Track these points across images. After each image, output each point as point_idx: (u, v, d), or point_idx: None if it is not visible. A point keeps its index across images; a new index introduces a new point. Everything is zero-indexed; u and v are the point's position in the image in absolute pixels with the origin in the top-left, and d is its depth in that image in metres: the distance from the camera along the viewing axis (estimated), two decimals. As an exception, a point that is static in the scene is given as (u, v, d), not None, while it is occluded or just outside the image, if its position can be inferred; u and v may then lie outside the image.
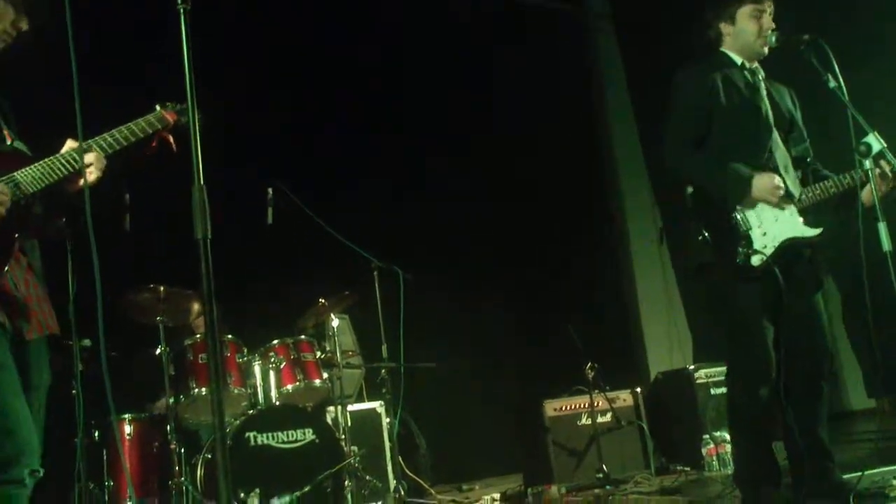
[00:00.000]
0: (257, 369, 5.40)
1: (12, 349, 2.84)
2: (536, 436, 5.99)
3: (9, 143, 2.98)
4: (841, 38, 3.78)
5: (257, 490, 4.69)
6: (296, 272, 6.75)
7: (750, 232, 3.69)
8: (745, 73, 3.88)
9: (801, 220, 3.73)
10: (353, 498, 5.21)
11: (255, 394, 5.37)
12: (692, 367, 6.31)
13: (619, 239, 9.71)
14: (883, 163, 3.55)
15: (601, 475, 5.66)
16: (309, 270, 6.70)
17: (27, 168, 2.88)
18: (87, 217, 2.66)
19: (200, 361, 5.24)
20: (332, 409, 5.79)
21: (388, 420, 5.98)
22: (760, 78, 3.90)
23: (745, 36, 3.86)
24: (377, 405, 6.07)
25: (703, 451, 5.75)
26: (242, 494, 4.65)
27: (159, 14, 2.73)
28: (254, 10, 7.21)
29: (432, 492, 6.18)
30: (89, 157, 2.91)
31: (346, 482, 5.20)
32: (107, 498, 5.02)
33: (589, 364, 5.99)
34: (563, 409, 6.02)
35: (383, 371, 5.96)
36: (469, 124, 8.18)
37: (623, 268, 9.62)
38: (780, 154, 3.80)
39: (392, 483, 5.77)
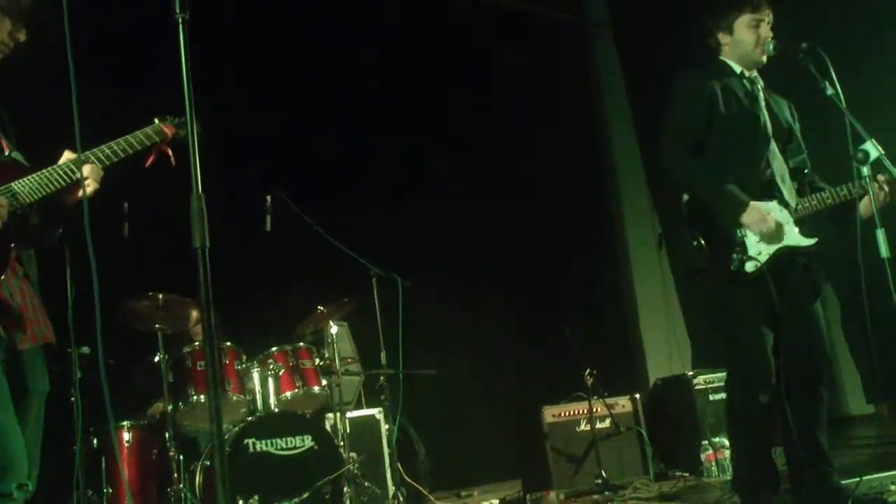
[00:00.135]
0: (256, 376, 5.39)
1: (6, 359, 2.84)
2: (535, 442, 5.99)
3: (7, 153, 2.99)
4: (838, 46, 3.79)
5: (256, 497, 4.69)
6: (294, 279, 6.75)
7: (745, 239, 3.70)
8: (745, 82, 3.89)
9: (797, 229, 3.74)
10: (352, 504, 5.22)
11: (254, 401, 5.36)
12: (691, 373, 6.31)
13: (618, 244, 9.71)
14: (879, 176, 3.56)
15: (600, 481, 5.67)
16: (308, 278, 6.70)
17: (24, 178, 2.89)
18: (85, 228, 2.66)
19: (199, 368, 5.24)
20: (330, 415, 5.79)
21: (386, 427, 5.97)
22: (759, 88, 3.91)
23: (744, 45, 3.87)
24: (376, 412, 6.06)
25: (702, 456, 5.75)
26: (241, 501, 4.65)
27: (158, 20, 2.73)
28: (252, 12, 7.21)
29: (431, 498, 6.17)
30: (86, 169, 2.92)
31: (345, 489, 5.20)
32: (105, 505, 5.02)
33: (588, 370, 6.00)
34: (562, 415, 6.02)
35: (382, 378, 5.96)
36: (469, 126, 8.18)
37: (622, 273, 9.62)
38: (778, 164, 3.81)
39: (391, 489, 5.76)
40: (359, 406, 6.45)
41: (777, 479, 3.76)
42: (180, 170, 2.55)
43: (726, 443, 5.60)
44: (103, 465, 5.09)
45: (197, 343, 5.43)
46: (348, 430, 5.53)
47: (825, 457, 3.74)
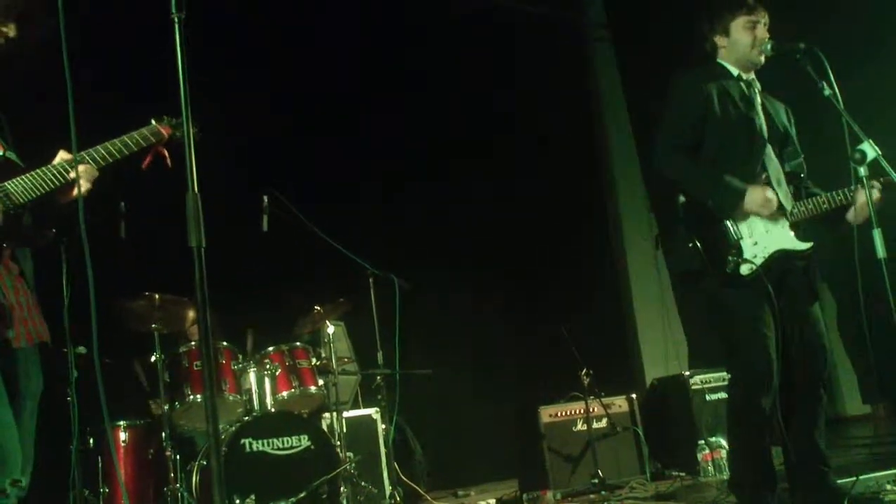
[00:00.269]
0: (253, 376, 5.39)
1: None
2: (532, 441, 5.99)
3: (1, 153, 2.98)
4: (836, 46, 3.79)
5: (253, 497, 4.69)
6: (291, 279, 6.74)
7: (741, 241, 3.71)
8: (741, 84, 3.90)
9: (792, 233, 3.74)
10: (349, 504, 5.22)
11: (251, 400, 5.37)
12: (687, 373, 6.31)
13: (615, 244, 9.72)
14: (875, 182, 3.56)
15: (596, 481, 5.67)
16: (304, 278, 6.70)
17: (18, 178, 2.88)
18: (80, 227, 2.66)
19: (195, 368, 5.25)
20: (327, 415, 5.79)
21: (383, 426, 5.97)
22: (756, 91, 3.91)
23: (740, 47, 3.87)
24: (372, 412, 6.06)
25: (699, 456, 5.75)
26: (238, 501, 4.64)
27: (157, 21, 2.73)
28: (251, 13, 7.21)
29: (428, 497, 6.17)
30: (81, 170, 2.90)
31: (342, 488, 5.20)
32: (102, 505, 5.02)
33: (584, 370, 6.00)
34: (559, 414, 6.02)
35: (378, 378, 5.95)
36: (467, 129, 8.19)
37: (619, 274, 9.63)
38: (774, 168, 3.81)
39: (388, 489, 5.76)
40: (355, 406, 6.45)
41: (774, 479, 3.75)
42: (177, 169, 2.55)
43: (723, 442, 5.61)
44: (100, 464, 5.10)
45: (193, 343, 5.43)
46: (345, 430, 5.54)
47: (822, 457, 3.74)
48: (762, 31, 3.84)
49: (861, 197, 3.57)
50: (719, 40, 3.94)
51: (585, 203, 9.35)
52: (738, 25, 3.86)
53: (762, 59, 3.85)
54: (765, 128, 3.84)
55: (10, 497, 2.78)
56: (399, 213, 7.67)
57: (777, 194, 3.73)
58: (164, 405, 5.10)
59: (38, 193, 2.89)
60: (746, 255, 3.67)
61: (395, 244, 6.85)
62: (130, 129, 3.14)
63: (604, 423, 6.05)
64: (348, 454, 5.40)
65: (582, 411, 6.02)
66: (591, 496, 5.56)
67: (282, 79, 7.32)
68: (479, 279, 7.84)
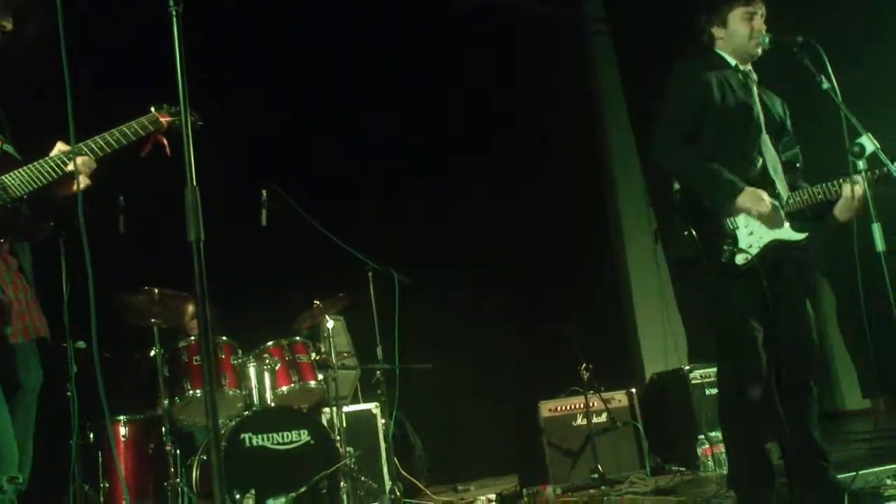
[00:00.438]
0: (252, 371, 5.40)
1: None
2: (532, 436, 5.99)
3: None
4: (835, 39, 3.79)
5: (253, 491, 4.69)
6: (291, 274, 6.75)
7: (736, 231, 3.71)
8: (739, 75, 3.90)
9: (787, 224, 3.74)
10: (349, 499, 5.21)
11: (251, 395, 5.37)
12: (687, 367, 6.31)
13: (615, 240, 9.72)
14: (857, 178, 3.54)
15: (596, 475, 5.66)
16: (304, 272, 6.70)
17: (15, 171, 2.87)
18: (79, 220, 2.65)
19: (195, 363, 5.24)
20: (327, 410, 5.79)
21: (383, 421, 5.98)
22: (753, 81, 3.92)
23: (738, 38, 3.87)
24: (372, 406, 6.06)
25: (699, 451, 5.76)
26: (238, 496, 4.65)
27: (156, 16, 2.72)
28: (251, 10, 7.20)
29: (428, 492, 6.19)
30: (79, 161, 2.89)
31: (342, 483, 5.20)
32: (102, 499, 5.03)
33: (584, 365, 6.00)
34: (559, 409, 6.02)
35: (378, 372, 5.96)
36: (467, 126, 8.18)
37: (618, 268, 9.63)
38: (771, 156, 3.81)
39: (388, 484, 5.77)
40: (355, 401, 6.45)
41: (772, 474, 3.75)
42: (175, 163, 2.54)
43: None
44: (100, 459, 5.11)
45: (193, 337, 5.42)
46: (345, 425, 5.54)
47: (820, 451, 3.73)
48: (759, 23, 3.84)
49: (846, 191, 3.57)
50: (717, 31, 3.94)
51: (585, 201, 9.34)
52: (736, 16, 3.86)
53: (759, 50, 3.85)
54: (762, 116, 3.84)
55: (8, 493, 2.78)
56: (399, 211, 7.68)
57: (774, 184, 3.74)
58: (164, 400, 5.10)
59: (36, 186, 2.88)
60: (742, 244, 3.67)
61: (395, 241, 6.85)
62: (130, 117, 3.13)
63: (603, 417, 6.05)
64: (348, 449, 5.40)
65: (582, 406, 6.02)
66: (591, 491, 5.56)
67: (282, 76, 7.32)
68: (479, 276, 7.84)
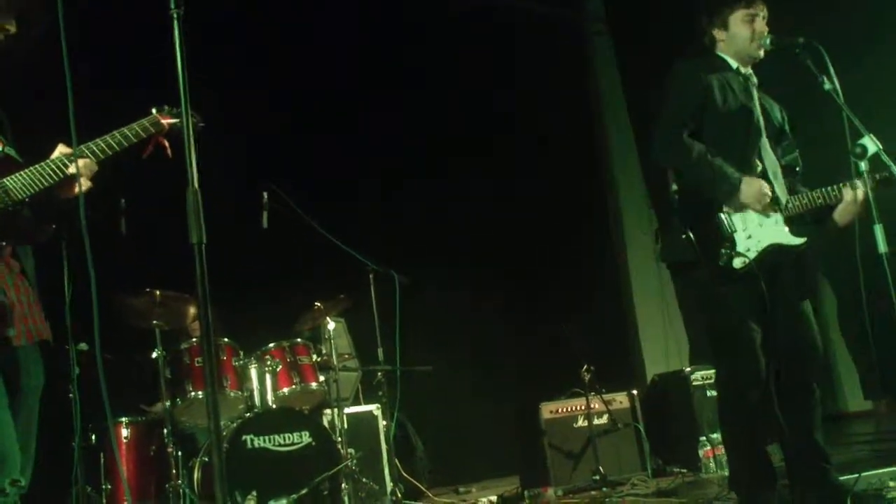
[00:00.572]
0: (254, 372, 5.40)
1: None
2: (533, 438, 5.99)
3: (0, 149, 2.97)
4: (837, 40, 3.79)
5: (254, 493, 4.69)
6: (292, 275, 6.75)
7: (734, 234, 3.68)
8: (740, 77, 3.89)
9: (786, 228, 3.73)
10: (350, 500, 5.22)
11: (252, 397, 5.37)
12: (688, 369, 6.31)
13: (615, 240, 9.71)
14: (858, 182, 3.54)
15: (597, 477, 5.67)
16: (305, 274, 6.70)
17: (16, 174, 2.87)
18: (81, 222, 2.65)
19: (197, 365, 5.24)
20: (328, 411, 5.80)
21: (384, 423, 5.98)
22: (753, 85, 3.90)
23: (739, 40, 3.85)
24: (374, 408, 6.06)
25: (700, 452, 5.76)
26: (239, 497, 4.65)
27: (156, 17, 2.72)
28: (250, 10, 7.20)
29: (429, 494, 6.19)
30: (80, 164, 2.89)
31: (343, 485, 5.20)
32: (104, 501, 5.02)
33: (585, 366, 6.00)
34: (560, 411, 6.02)
35: (379, 374, 5.96)
36: (466, 127, 8.18)
37: (619, 269, 9.63)
38: (770, 160, 3.80)
39: (389, 485, 5.77)
40: (356, 402, 6.44)
41: (773, 476, 3.74)
42: (177, 165, 2.54)
43: (723, 439, 5.61)
44: (102, 461, 5.11)
45: (194, 339, 5.42)
46: (346, 427, 5.54)
47: (822, 453, 3.72)
48: (761, 25, 3.83)
49: (847, 195, 3.57)
50: (718, 34, 3.92)
51: (585, 201, 9.34)
52: (737, 19, 3.85)
53: (761, 52, 3.84)
54: (761, 120, 3.83)
55: (11, 496, 2.78)
56: (398, 211, 7.67)
57: (773, 187, 3.73)
58: (166, 402, 5.09)
59: (37, 189, 2.88)
60: (740, 248, 3.65)
61: (395, 242, 6.85)
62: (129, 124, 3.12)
63: (605, 419, 6.05)
64: (349, 451, 5.40)
65: (583, 408, 6.02)
66: (593, 493, 5.56)
67: (281, 76, 7.31)
68: (479, 277, 7.83)
